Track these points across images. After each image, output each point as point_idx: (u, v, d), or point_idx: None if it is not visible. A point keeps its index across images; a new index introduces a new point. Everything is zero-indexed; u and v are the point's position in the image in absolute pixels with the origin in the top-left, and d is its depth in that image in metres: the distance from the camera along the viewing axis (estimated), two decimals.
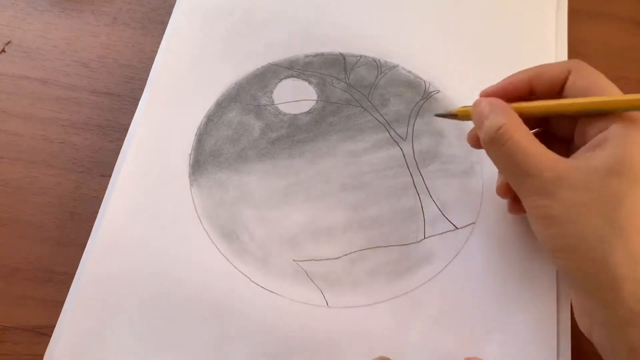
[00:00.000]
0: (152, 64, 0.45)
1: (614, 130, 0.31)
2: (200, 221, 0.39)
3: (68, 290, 0.37)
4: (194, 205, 0.39)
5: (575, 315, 0.33)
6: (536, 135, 0.33)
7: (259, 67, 0.45)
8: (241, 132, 0.42)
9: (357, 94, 0.44)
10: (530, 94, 0.34)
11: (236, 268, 0.37)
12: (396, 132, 0.42)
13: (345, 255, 0.38)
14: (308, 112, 0.43)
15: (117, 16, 0.49)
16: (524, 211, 0.33)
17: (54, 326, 0.36)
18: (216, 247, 0.38)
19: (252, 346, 0.35)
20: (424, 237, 0.39)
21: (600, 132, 0.31)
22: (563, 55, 0.45)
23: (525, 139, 0.31)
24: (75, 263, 0.38)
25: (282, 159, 0.41)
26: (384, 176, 0.41)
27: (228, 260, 0.38)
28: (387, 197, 0.40)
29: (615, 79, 0.45)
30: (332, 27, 0.46)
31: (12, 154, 0.43)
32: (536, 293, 0.37)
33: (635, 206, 0.29)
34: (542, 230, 0.32)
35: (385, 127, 0.42)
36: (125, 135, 0.42)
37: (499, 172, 0.37)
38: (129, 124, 0.43)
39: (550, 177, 0.30)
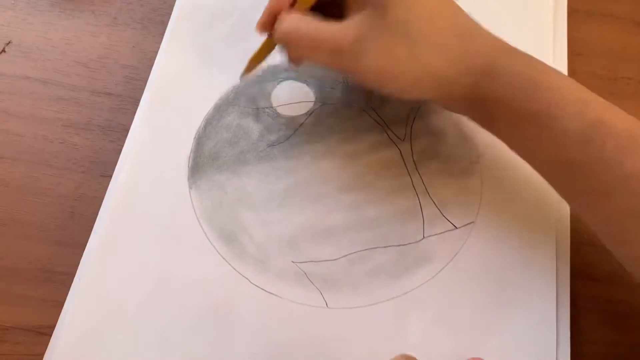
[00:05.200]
0: (152, 64, 0.45)
1: None
2: (200, 223, 0.39)
3: (68, 290, 0.37)
4: (193, 208, 0.40)
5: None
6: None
7: (258, 69, 0.45)
8: (240, 134, 0.42)
9: (355, 95, 0.44)
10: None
11: (235, 270, 0.38)
12: (394, 133, 0.42)
13: (345, 256, 0.38)
14: (306, 114, 0.43)
15: (117, 16, 0.49)
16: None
17: (54, 326, 0.36)
18: (215, 249, 0.38)
19: (252, 347, 0.35)
20: (423, 237, 0.39)
21: None
22: (562, 55, 0.45)
23: (311, 27, 0.36)
24: (75, 263, 0.38)
25: (281, 161, 0.41)
26: (383, 177, 0.41)
27: (227, 262, 0.38)
28: (386, 198, 0.40)
29: (615, 79, 0.45)
30: None
31: (12, 154, 0.43)
32: (535, 292, 0.37)
33: (421, 19, 0.35)
34: (379, 85, 0.37)
35: (383, 128, 0.42)
36: (125, 136, 0.42)
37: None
38: (129, 125, 0.43)
39: (348, 44, 0.35)
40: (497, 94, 0.34)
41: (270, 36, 0.39)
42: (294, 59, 0.39)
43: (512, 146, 0.36)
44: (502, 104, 0.34)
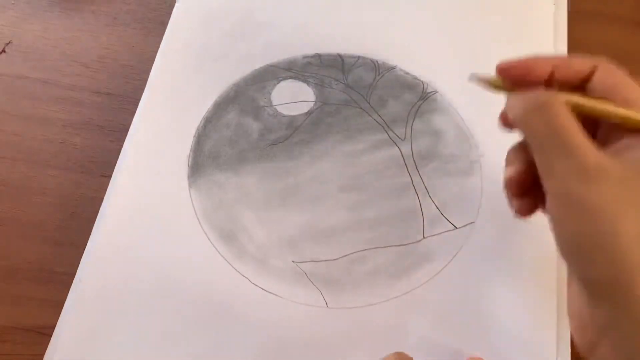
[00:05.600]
0: (152, 64, 0.45)
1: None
2: (200, 222, 0.39)
3: (68, 290, 0.37)
4: (193, 207, 0.40)
5: (575, 329, 0.29)
6: None
7: (257, 68, 0.45)
8: (240, 133, 0.42)
9: (355, 95, 0.44)
10: (547, 83, 0.31)
11: (235, 269, 0.38)
12: (395, 133, 0.42)
13: (345, 256, 0.38)
14: (306, 114, 0.43)
15: (117, 16, 0.49)
16: (530, 211, 0.31)
17: (54, 326, 0.36)
18: (215, 248, 0.38)
19: (252, 347, 0.35)
20: (424, 237, 0.39)
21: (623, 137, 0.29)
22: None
23: (571, 119, 0.28)
24: (75, 263, 0.38)
25: (281, 160, 0.41)
26: (383, 177, 0.41)
27: (227, 262, 0.38)
28: (386, 198, 0.40)
29: None
30: (331, 28, 0.47)
31: (12, 154, 0.43)
32: (536, 292, 0.37)
33: None
34: (567, 221, 0.28)
35: (383, 127, 0.42)
36: (125, 136, 0.42)
37: (517, 154, 0.31)
38: (129, 124, 0.43)
39: (594, 164, 0.27)
40: None
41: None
42: (527, 113, 0.30)
43: None
44: None
